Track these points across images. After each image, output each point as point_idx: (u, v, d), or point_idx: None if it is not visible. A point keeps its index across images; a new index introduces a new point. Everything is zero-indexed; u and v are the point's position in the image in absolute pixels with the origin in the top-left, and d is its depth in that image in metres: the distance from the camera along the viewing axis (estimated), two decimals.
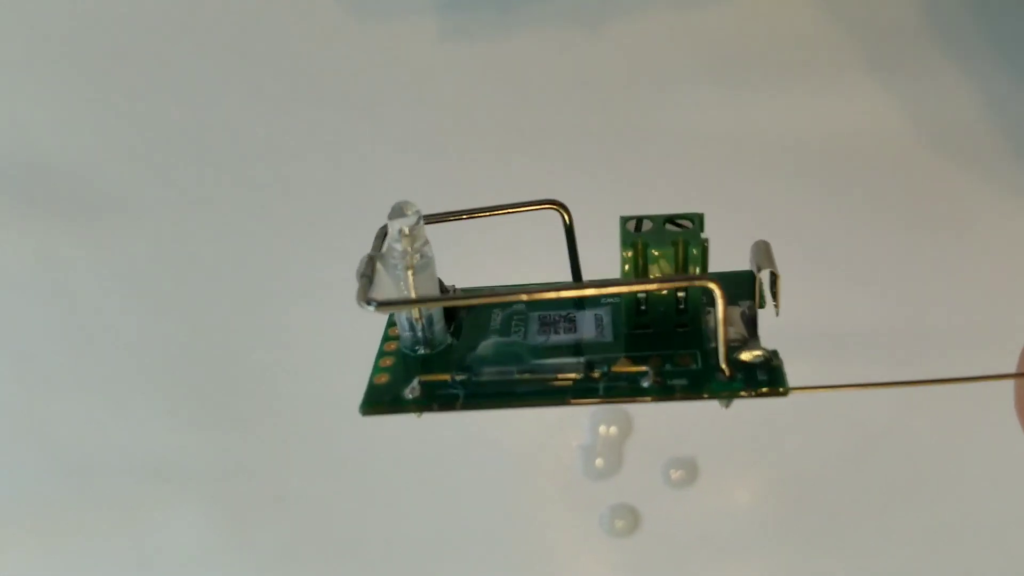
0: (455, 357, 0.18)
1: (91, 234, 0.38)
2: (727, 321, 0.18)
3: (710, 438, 0.34)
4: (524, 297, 0.16)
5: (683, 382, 0.17)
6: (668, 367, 0.17)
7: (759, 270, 0.17)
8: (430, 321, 0.18)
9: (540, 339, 0.18)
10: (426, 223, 0.19)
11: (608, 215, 0.37)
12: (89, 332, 0.37)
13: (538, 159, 0.38)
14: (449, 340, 0.19)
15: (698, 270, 0.17)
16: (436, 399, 0.17)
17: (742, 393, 0.17)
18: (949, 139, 0.37)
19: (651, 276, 0.17)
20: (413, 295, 0.18)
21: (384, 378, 0.18)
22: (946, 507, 0.33)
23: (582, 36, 0.41)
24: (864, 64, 0.39)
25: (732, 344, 0.17)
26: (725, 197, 0.37)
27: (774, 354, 0.17)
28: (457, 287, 0.20)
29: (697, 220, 0.18)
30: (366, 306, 0.17)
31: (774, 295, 0.17)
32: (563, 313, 0.19)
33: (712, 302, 0.17)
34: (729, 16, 0.41)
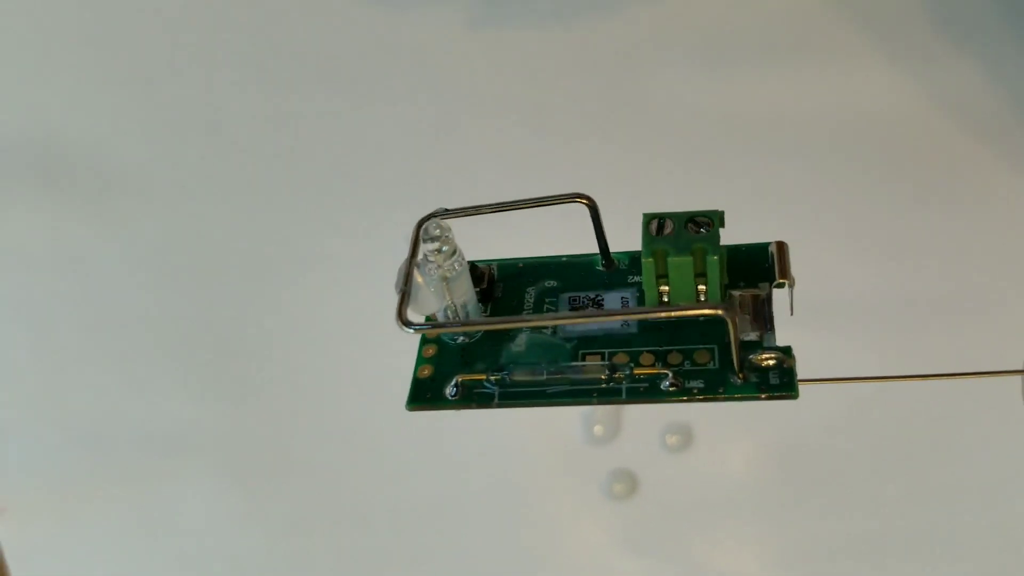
0: (492, 348, 0.20)
1: (105, 212, 0.39)
2: (744, 312, 0.19)
3: (705, 405, 0.34)
4: (550, 322, 0.18)
5: (700, 384, 0.18)
6: (687, 364, 0.18)
7: (780, 283, 0.18)
8: (467, 313, 0.20)
9: (568, 328, 0.20)
10: (452, 216, 0.20)
11: (618, 192, 0.37)
12: (103, 308, 0.38)
13: (547, 139, 0.38)
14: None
15: (716, 279, 0.18)
16: (474, 398, 0.19)
17: (756, 396, 0.18)
18: (952, 113, 0.37)
19: (668, 285, 0.18)
20: (449, 300, 0.19)
21: (427, 370, 0.20)
22: (936, 470, 0.34)
23: (587, 20, 0.40)
24: (866, 40, 0.39)
25: (747, 341, 0.18)
26: (730, 173, 0.37)
27: (787, 352, 0.18)
28: (493, 267, 0.21)
29: (717, 219, 0.18)
30: (404, 328, 0.18)
31: (789, 293, 0.18)
32: (591, 296, 0.20)
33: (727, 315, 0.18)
34: None
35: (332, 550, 0.36)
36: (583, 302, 0.20)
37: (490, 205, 0.20)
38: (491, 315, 0.20)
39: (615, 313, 0.18)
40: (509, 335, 0.20)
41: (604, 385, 0.18)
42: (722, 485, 0.34)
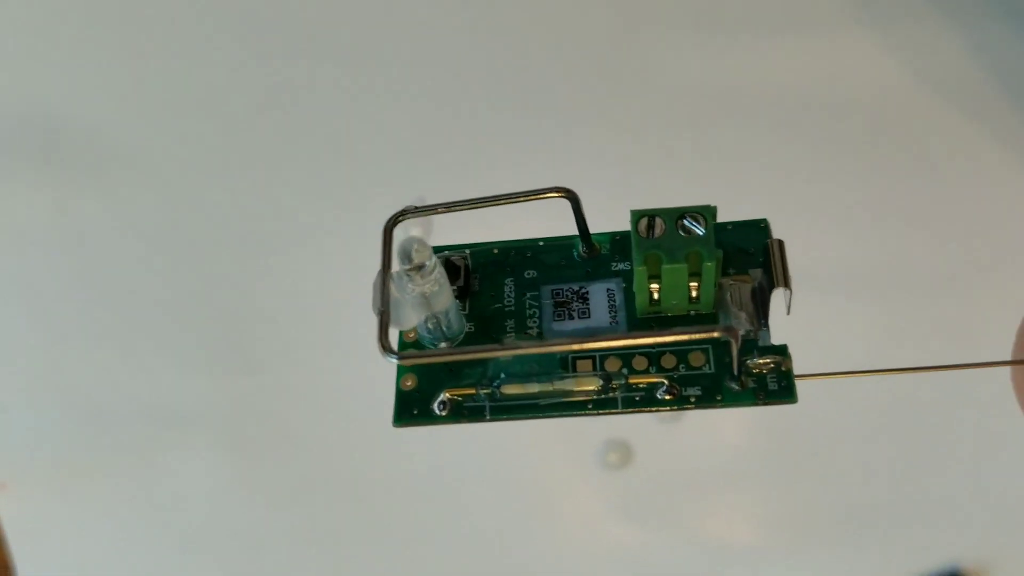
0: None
1: (105, 188, 0.39)
2: (737, 304, 0.18)
3: None
4: (533, 350, 0.17)
5: (697, 392, 0.18)
6: (682, 368, 0.18)
7: (777, 285, 0.17)
8: (448, 321, 0.19)
9: (555, 328, 0.19)
10: (422, 214, 0.18)
11: (601, 170, 0.35)
12: (103, 283, 0.38)
13: (530, 112, 0.38)
14: (467, 327, 0.19)
15: (711, 282, 0.17)
16: (464, 413, 0.18)
17: (754, 403, 0.18)
18: (938, 86, 0.37)
19: (659, 284, 0.18)
20: (429, 311, 0.18)
21: (411, 381, 0.19)
22: (924, 440, 0.34)
23: None
24: (853, 13, 0.38)
25: (744, 339, 0.18)
26: (717, 145, 0.37)
27: (783, 353, 0.18)
28: (467, 256, 0.20)
29: (710, 216, 0.17)
30: (388, 356, 0.17)
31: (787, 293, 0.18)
32: (575, 288, 0.19)
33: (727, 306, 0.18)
34: None
35: (332, 521, 0.36)
36: (566, 295, 0.19)
37: (463, 202, 0.19)
38: (470, 312, 0.19)
39: (613, 337, 0.17)
40: (494, 340, 0.19)
41: (599, 396, 0.18)
42: (715, 455, 0.35)
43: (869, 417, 0.35)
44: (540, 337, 0.19)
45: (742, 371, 0.17)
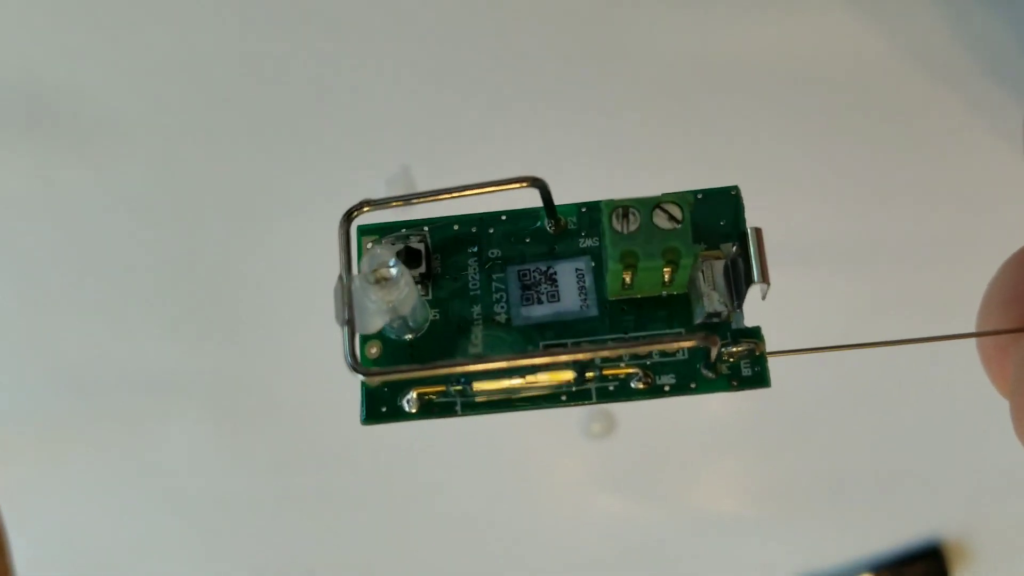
0: (444, 344, 0.18)
1: (89, 156, 0.38)
2: (710, 284, 0.18)
3: None
4: (504, 365, 0.16)
5: (671, 380, 0.18)
6: (655, 355, 0.18)
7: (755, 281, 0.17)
8: (413, 312, 0.18)
9: (524, 314, 0.18)
10: (380, 207, 0.17)
11: (579, 142, 0.35)
12: (89, 251, 0.37)
13: (508, 84, 0.38)
14: (431, 315, 0.18)
15: (687, 273, 0.17)
16: (434, 409, 0.18)
17: (728, 389, 0.18)
18: (918, 58, 0.36)
19: (631, 272, 0.17)
20: (395, 314, 0.17)
21: (377, 376, 0.18)
22: (903, 410, 0.35)
23: None
24: None
25: (715, 320, 0.18)
26: (695, 116, 0.36)
27: (757, 336, 0.17)
28: (426, 235, 0.19)
29: (687, 207, 0.17)
30: (358, 373, 0.16)
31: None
32: (543, 269, 0.18)
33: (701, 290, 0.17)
34: None
35: (316, 489, 0.36)
36: (534, 276, 0.18)
37: (425, 193, 0.17)
38: (433, 297, 0.18)
39: (594, 350, 0.16)
40: (460, 328, 0.18)
41: (573, 388, 0.18)
42: (698, 425, 0.35)
43: (850, 389, 0.35)
44: (508, 324, 0.18)
45: (717, 358, 0.17)
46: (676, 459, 0.37)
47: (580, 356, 0.16)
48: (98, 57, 0.39)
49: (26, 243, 0.38)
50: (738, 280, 0.18)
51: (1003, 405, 0.17)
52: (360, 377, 0.16)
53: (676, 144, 0.36)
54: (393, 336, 0.18)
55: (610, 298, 0.18)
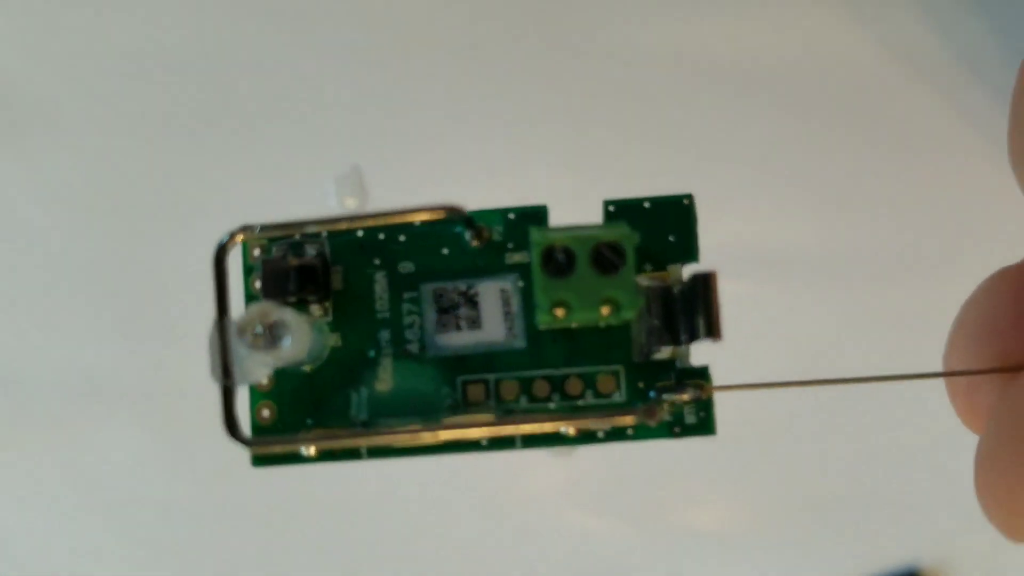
0: (346, 376, 0.16)
1: (15, 147, 0.36)
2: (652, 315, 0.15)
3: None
4: (428, 438, 0.14)
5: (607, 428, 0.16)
6: (589, 396, 0.16)
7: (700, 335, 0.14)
8: (309, 352, 0.15)
9: (441, 341, 0.16)
10: (264, 236, 0.15)
11: (548, 142, 0.34)
12: (17, 247, 0.35)
13: (475, 78, 0.35)
14: (332, 341, 0.16)
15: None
16: (336, 453, 0.16)
17: (669, 437, 0.16)
18: (901, 61, 0.35)
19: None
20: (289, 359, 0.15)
21: (267, 412, 0.16)
22: (885, 430, 0.34)
23: None
24: None
25: (656, 360, 0.15)
26: (670, 120, 0.34)
27: (704, 376, 0.15)
28: (323, 244, 0.16)
29: (631, 247, 0.14)
30: (240, 444, 0.14)
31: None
32: (463, 288, 0.16)
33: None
34: None
35: (259, 495, 0.34)
36: (452, 297, 0.16)
37: (321, 220, 0.14)
38: (334, 318, 0.16)
39: (518, 420, 0.14)
40: (365, 359, 0.16)
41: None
42: (670, 444, 0.32)
43: (827, 412, 0.34)
44: (422, 353, 0.16)
45: (659, 405, 0.15)
46: (650, 478, 0.35)
47: (503, 432, 0.14)
48: (28, 44, 0.37)
49: None
50: (688, 312, 0.15)
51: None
52: (243, 448, 0.14)
53: (640, 147, 0.34)
54: (290, 369, 0.16)
55: (540, 327, 0.16)
